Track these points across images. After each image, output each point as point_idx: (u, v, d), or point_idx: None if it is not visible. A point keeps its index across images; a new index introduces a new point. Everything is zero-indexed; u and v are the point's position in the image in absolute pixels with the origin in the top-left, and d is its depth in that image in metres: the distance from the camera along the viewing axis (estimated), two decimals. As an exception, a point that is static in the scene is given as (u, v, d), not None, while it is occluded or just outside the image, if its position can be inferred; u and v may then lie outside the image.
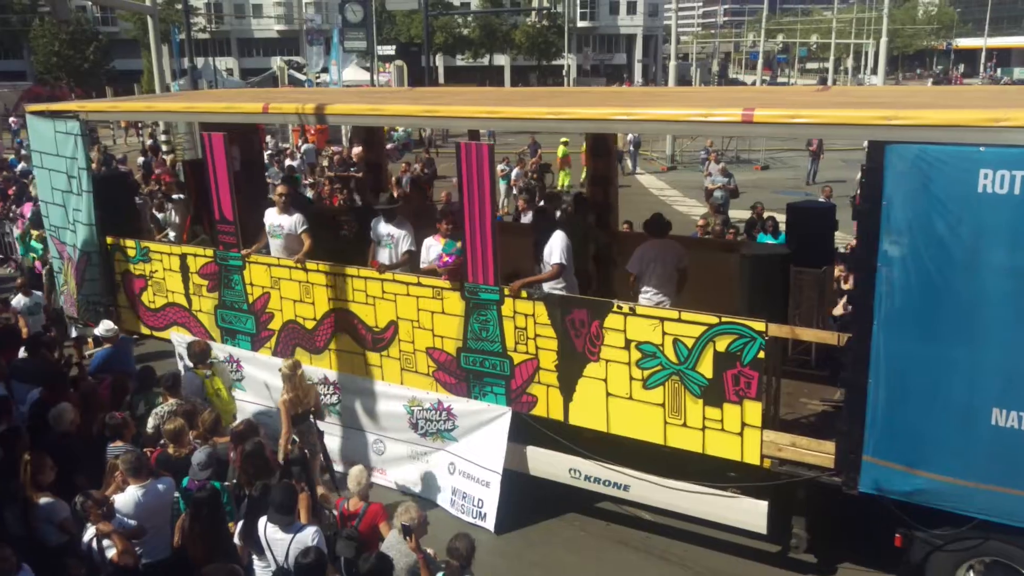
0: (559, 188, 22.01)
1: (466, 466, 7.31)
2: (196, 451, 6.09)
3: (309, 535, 5.03)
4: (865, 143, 5.27)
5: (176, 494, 5.75)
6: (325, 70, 42.57)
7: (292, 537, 5.02)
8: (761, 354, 5.81)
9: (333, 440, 8.05)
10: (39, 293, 9.91)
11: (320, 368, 7.96)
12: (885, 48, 38.43)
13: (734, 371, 5.95)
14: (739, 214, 15.30)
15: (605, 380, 6.50)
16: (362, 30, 36.77)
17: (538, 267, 7.12)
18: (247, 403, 8.52)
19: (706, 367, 6.05)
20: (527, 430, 7.02)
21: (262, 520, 5.15)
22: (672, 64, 33.07)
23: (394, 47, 45.10)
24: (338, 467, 7.83)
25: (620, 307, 6.31)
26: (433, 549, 5.27)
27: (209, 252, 8.42)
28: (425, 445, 7.59)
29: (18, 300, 9.52)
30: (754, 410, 5.95)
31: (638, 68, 74.74)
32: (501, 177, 20.37)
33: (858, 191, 18.20)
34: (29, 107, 9.69)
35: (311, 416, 7.13)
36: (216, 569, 4.74)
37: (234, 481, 5.95)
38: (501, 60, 67.90)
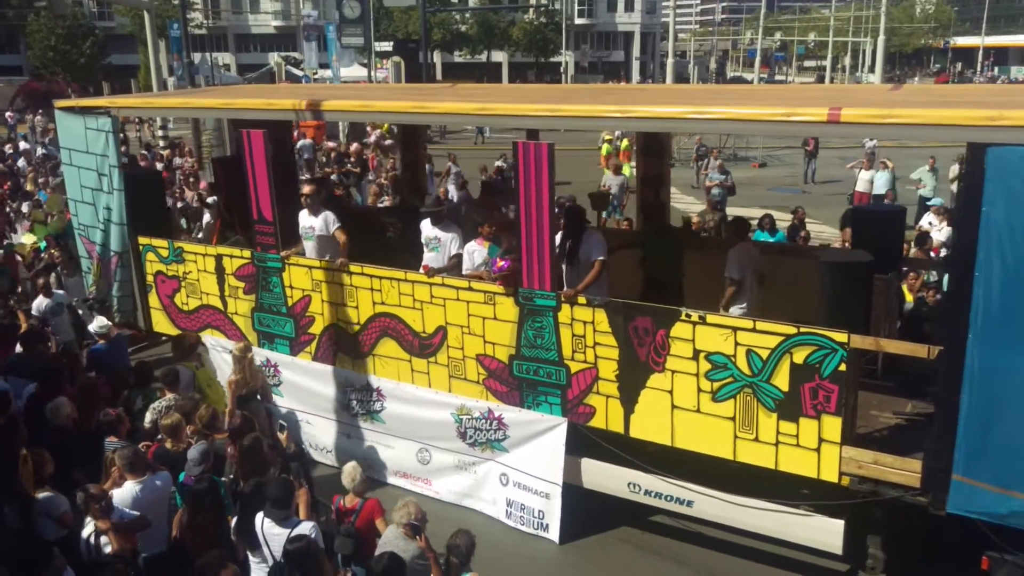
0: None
1: (521, 477, 7.02)
2: (192, 446, 6.04)
3: (306, 530, 4.99)
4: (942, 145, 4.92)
5: (172, 489, 5.76)
6: (325, 66, 42.28)
7: (289, 532, 4.97)
8: (843, 366, 5.50)
9: (376, 448, 7.79)
10: (61, 292, 9.63)
11: (363, 374, 7.67)
12: (883, 46, 38.02)
13: (812, 384, 5.63)
14: (736, 211, 14.87)
15: (670, 392, 6.19)
16: (359, 26, 36.53)
17: (572, 268, 6.81)
18: (285, 409, 8.25)
19: (782, 379, 5.73)
20: (576, 441, 6.73)
21: (259, 515, 5.12)
22: (670, 62, 32.90)
23: (391, 43, 44.84)
24: (394, 479, 7.70)
25: (689, 315, 5.99)
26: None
27: (247, 253, 8.13)
28: (473, 455, 7.30)
29: (39, 303, 9.24)
30: (833, 425, 5.63)
31: (636, 65, 74.41)
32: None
33: (854, 189, 18.19)
34: (58, 103, 9.41)
35: (258, 397, 7.34)
36: (211, 559, 4.65)
37: (231, 476, 5.96)
38: (499, 57, 67.67)
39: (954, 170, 17.28)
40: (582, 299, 6.42)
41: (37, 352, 7.83)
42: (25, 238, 12.30)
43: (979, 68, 71.38)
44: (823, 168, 23.52)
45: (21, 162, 21.20)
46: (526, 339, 6.72)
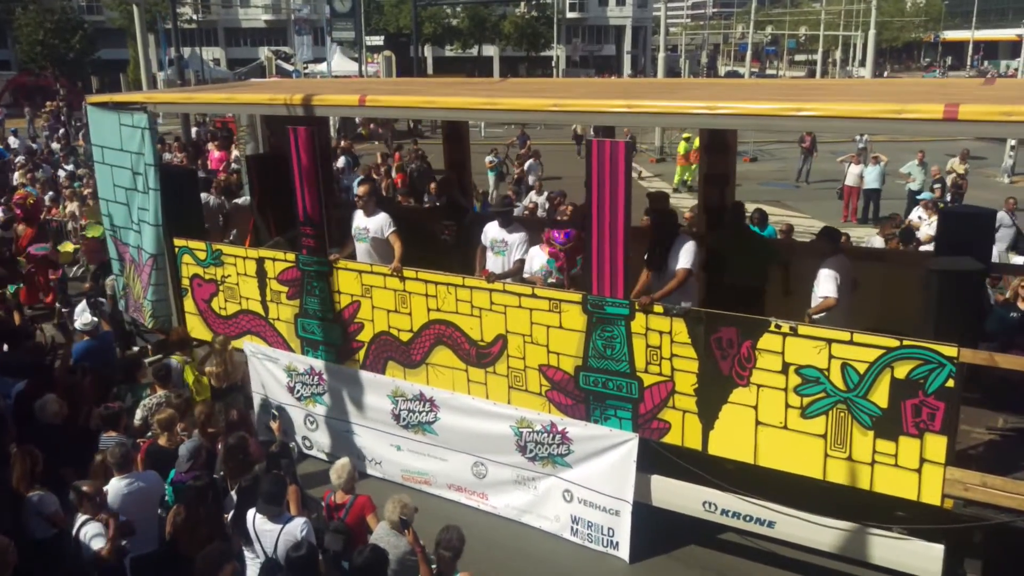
0: (674, 185, 21.43)
1: (586, 494, 6.66)
2: (183, 443, 6.03)
3: (298, 526, 5.00)
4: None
5: (167, 486, 5.74)
6: (318, 60, 41.83)
7: (281, 528, 4.99)
8: (950, 382, 5.12)
9: (429, 461, 7.43)
10: (102, 300, 9.27)
11: (416, 384, 7.31)
12: (873, 40, 37.63)
13: (915, 401, 5.26)
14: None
15: (755, 407, 5.81)
16: (350, 20, 36.22)
17: (659, 276, 6.43)
18: (330, 419, 7.90)
19: (880, 395, 5.35)
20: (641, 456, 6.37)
21: (251, 511, 5.12)
22: (661, 56, 32.64)
23: (382, 38, 44.25)
24: (448, 493, 7.41)
25: (779, 326, 5.61)
26: (423, 541, 5.23)
27: (291, 256, 7.76)
28: (533, 470, 6.94)
29: (82, 308, 8.88)
30: (937, 445, 5.25)
31: (627, 59, 74.04)
32: (490, 168, 20.19)
33: (843, 184, 17.95)
34: (90, 98, 9.06)
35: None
36: (211, 554, 4.60)
37: (221, 473, 5.92)
38: (490, 51, 67.43)
39: (953, 163, 17.16)
40: (659, 308, 6.04)
41: (24, 349, 7.70)
42: (63, 246, 12.03)
43: (969, 62, 71.33)
44: (815, 163, 23.30)
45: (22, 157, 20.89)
46: (595, 349, 6.35)
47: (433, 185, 16.62)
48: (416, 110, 6.87)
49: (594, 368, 6.39)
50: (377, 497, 5.87)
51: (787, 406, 5.70)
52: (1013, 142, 22.32)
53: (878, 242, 11.53)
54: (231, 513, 5.49)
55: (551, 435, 6.73)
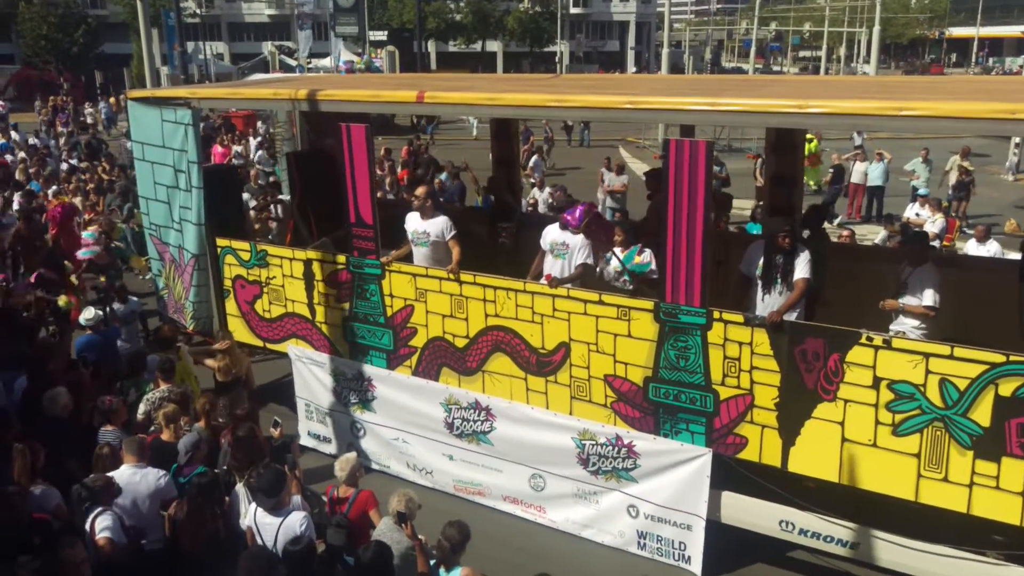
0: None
1: (654, 510, 6.37)
2: (183, 437, 6.01)
3: (297, 520, 4.96)
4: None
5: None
6: (321, 55, 41.57)
7: (280, 522, 4.95)
8: (1063, 402, 4.80)
9: (483, 472, 7.16)
10: (136, 299, 9.06)
11: (471, 391, 7.04)
12: (878, 37, 37.20)
13: (1021, 420, 4.94)
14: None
15: (841, 423, 5.50)
16: (353, 15, 36.04)
17: (774, 287, 6.13)
18: (378, 426, 7.65)
19: (982, 414, 5.04)
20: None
21: (251, 504, 5.11)
22: (665, 51, 32.35)
23: (386, 33, 44.01)
24: (503, 505, 7.15)
25: (870, 339, 5.30)
26: (425, 536, 5.22)
27: (341, 258, 7.50)
28: (596, 484, 6.65)
29: (115, 308, 8.68)
30: (1044, 467, 4.94)
31: (631, 55, 73.55)
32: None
33: (848, 181, 17.59)
34: (131, 93, 8.84)
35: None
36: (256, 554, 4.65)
37: (224, 468, 5.88)
38: (493, 46, 67.26)
39: (953, 161, 16.95)
40: (739, 317, 5.74)
41: (24, 343, 7.60)
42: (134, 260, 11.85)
43: (974, 59, 70.57)
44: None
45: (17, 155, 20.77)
46: (667, 360, 6.05)
47: (438, 181, 16.42)
48: (479, 107, 6.57)
49: (665, 380, 6.10)
50: (380, 492, 5.78)
51: (877, 423, 5.39)
52: (1018, 139, 21.87)
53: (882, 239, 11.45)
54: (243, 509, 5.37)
55: (616, 448, 6.44)
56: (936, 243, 12.06)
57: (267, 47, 45.31)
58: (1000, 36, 78.63)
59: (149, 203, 8.79)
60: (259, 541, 5.03)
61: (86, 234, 10.98)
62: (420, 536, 5.14)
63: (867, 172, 17.37)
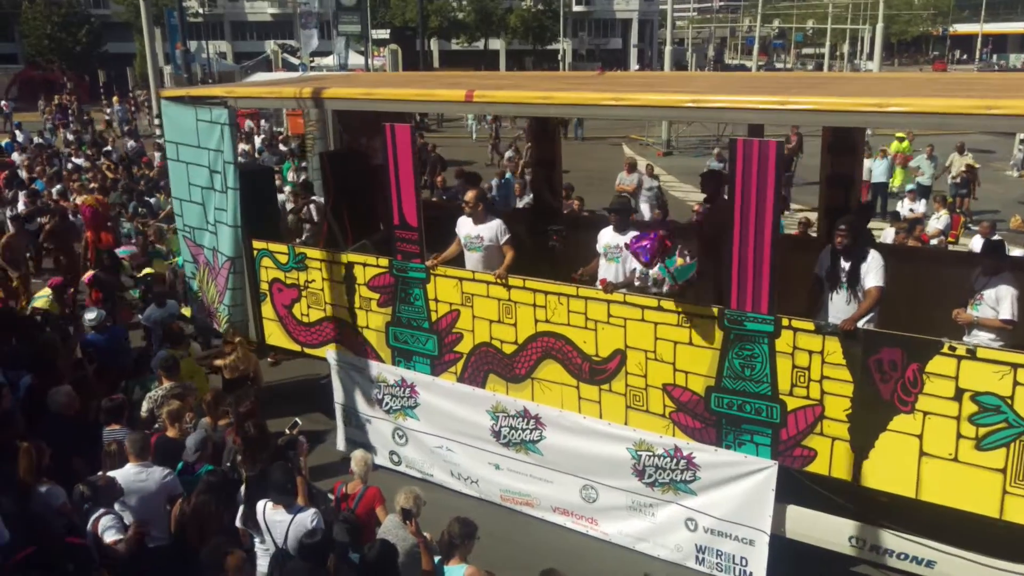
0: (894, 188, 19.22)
1: (713, 523, 6.13)
2: (190, 434, 6.02)
3: (308, 516, 4.98)
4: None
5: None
6: (324, 54, 41.30)
7: (292, 519, 4.97)
8: None
9: (532, 482, 6.94)
10: (173, 303, 8.88)
11: (520, 399, 6.82)
12: (881, 34, 36.75)
13: (1117, 435, 4.68)
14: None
15: (919, 436, 5.25)
16: (356, 14, 35.80)
17: (841, 293, 5.87)
18: (422, 434, 7.44)
19: (1075, 428, 4.78)
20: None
21: (261, 502, 5.11)
22: (667, 49, 31.99)
23: (388, 31, 43.66)
24: (552, 516, 6.93)
25: (953, 348, 5.04)
26: (430, 533, 5.20)
27: (383, 261, 7.29)
28: (652, 496, 6.42)
29: (151, 312, 8.50)
30: None
31: (633, 53, 73.15)
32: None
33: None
34: (164, 92, 8.65)
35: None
36: (215, 548, 4.57)
37: (228, 465, 5.89)
38: (496, 44, 66.92)
39: (954, 158, 16.68)
40: (809, 325, 5.49)
41: (32, 342, 7.49)
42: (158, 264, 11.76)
43: (978, 55, 70.02)
44: (814, 157, 22.40)
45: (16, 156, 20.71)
46: (731, 369, 5.81)
47: (439, 178, 16.22)
48: (531, 106, 6.33)
49: (729, 389, 5.86)
50: (387, 489, 5.73)
51: (959, 436, 5.13)
52: (1022, 136, 21.50)
53: (889, 236, 11.20)
54: (240, 507, 5.34)
55: (674, 460, 6.21)
56: (940, 239, 11.89)
57: (270, 46, 45.21)
58: (1004, 32, 78.17)
59: (183, 204, 8.59)
60: (267, 539, 5.07)
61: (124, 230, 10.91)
62: (425, 533, 5.13)
63: (871, 169, 17.07)
